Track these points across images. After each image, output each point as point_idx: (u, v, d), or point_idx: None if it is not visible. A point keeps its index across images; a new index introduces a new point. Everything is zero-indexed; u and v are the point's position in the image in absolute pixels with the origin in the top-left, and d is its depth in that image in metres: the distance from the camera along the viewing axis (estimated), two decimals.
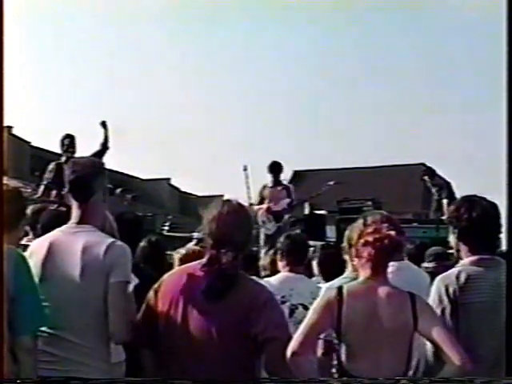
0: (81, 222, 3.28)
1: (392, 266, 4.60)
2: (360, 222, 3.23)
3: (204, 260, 3.05)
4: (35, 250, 3.25)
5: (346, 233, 3.91)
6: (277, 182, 9.98)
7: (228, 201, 3.15)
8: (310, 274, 5.86)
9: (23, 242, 3.37)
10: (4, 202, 3.16)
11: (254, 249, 6.11)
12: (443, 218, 9.69)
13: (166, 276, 3.16)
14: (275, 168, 9.94)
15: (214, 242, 3.03)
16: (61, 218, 3.38)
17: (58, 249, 3.20)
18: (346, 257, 3.90)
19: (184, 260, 4.70)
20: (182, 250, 4.94)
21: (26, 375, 2.88)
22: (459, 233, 3.35)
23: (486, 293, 3.21)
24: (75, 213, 3.31)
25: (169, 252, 5.60)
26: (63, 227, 3.32)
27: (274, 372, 2.94)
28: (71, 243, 3.21)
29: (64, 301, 3.07)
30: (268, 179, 10.04)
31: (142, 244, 4.89)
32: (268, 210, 9.63)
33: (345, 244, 3.84)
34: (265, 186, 9.97)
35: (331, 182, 10.94)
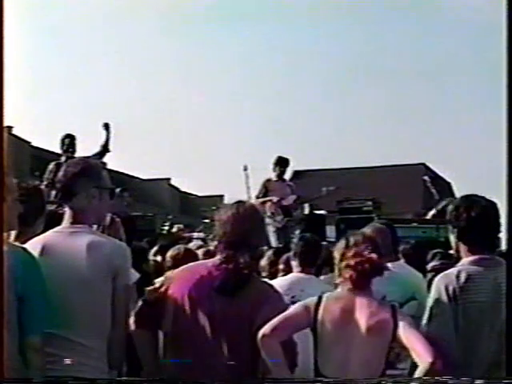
0: (74, 222, 3.28)
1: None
2: (342, 242, 3.29)
3: (218, 259, 3.12)
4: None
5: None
6: (281, 177, 9.98)
7: (241, 202, 3.24)
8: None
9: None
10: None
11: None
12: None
13: (179, 270, 3.25)
14: (282, 162, 9.94)
15: (230, 243, 3.10)
16: (59, 219, 3.38)
17: (53, 249, 3.19)
18: None
19: (174, 260, 4.73)
20: (172, 251, 4.96)
21: (35, 375, 2.89)
22: (458, 232, 3.35)
23: (485, 292, 3.21)
24: (68, 213, 3.32)
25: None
26: (57, 228, 3.31)
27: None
28: (69, 244, 3.20)
29: (63, 300, 3.06)
30: (271, 175, 10.03)
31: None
32: (277, 203, 9.63)
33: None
34: (269, 179, 9.97)
35: (332, 188, 10.93)
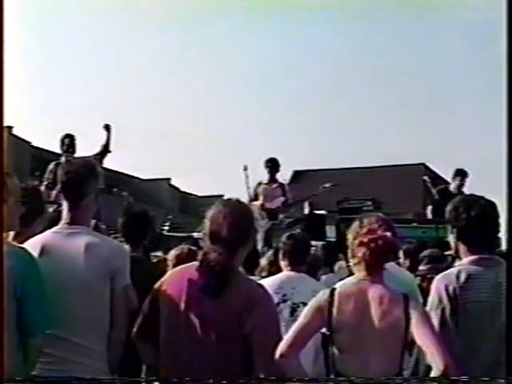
0: (72, 222, 3.28)
1: None
2: (356, 223, 3.23)
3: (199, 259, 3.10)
4: None
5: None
6: (272, 179, 9.95)
7: (227, 200, 3.19)
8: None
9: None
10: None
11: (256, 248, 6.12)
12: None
13: (167, 275, 3.20)
14: (271, 164, 9.90)
15: (208, 240, 3.08)
16: (60, 219, 3.38)
17: (52, 250, 3.19)
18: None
19: (177, 260, 4.72)
20: (175, 251, 4.95)
21: (30, 374, 2.91)
22: (458, 232, 3.35)
23: (485, 292, 3.21)
24: (66, 213, 3.31)
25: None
26: (55, 228, 3.31)
27: (263, 374, 2.96)
28: (68, 244, 3.20)
29: (61, 300, 3.06)
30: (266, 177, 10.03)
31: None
32: (261, 206, 9.60)
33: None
34: (260, 183, 9.95)
35: (327, 185, 10.86)
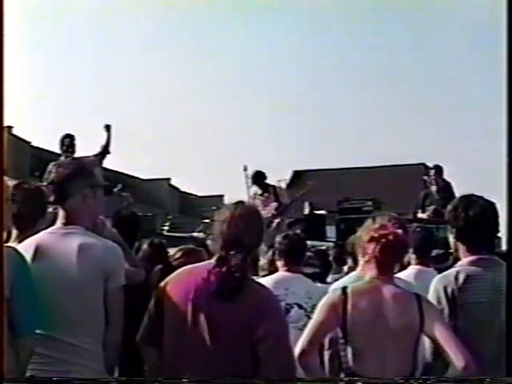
0: (67, 223, 3.27)
1: (413, 269, 4.63)
2: (369, 221, 3.28)
3: (213, 261, 3.04)
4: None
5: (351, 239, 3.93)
6: (263, 189, 10.07)
7: (240, 202, 3.16)
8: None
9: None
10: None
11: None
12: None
13: (173, 275, 3.13)
14: (255, 178, 10.05)
15: (224, 244, 3.02)
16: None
17: (46, 250, 3.17)
18: (348, 257, 3.94)
19: (180, 260, 4.71)
20: (176, 251, 4.94)
21: (21, 374, 2.90)
22: (457, 232, 3.35)
23: (484, 293, 3.21)
24: (60, 214, 3.31)
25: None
26: (50, 229, 3.30)
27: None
28: (62, 245, 3.19)
29: (54, 301, 3.05)
30: (271, 182, 10.13)
31: (145, 246, 4.91)
32: None
33: (350, 243, 3.88)
34: (255, 194, 10.11)
35: (311, 182, 10.88)
